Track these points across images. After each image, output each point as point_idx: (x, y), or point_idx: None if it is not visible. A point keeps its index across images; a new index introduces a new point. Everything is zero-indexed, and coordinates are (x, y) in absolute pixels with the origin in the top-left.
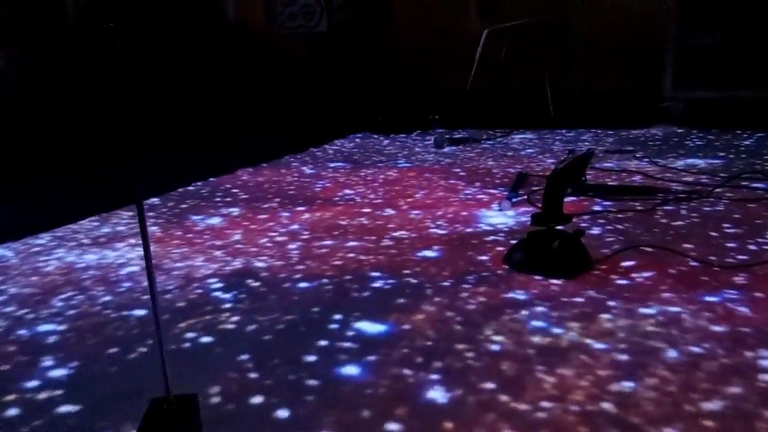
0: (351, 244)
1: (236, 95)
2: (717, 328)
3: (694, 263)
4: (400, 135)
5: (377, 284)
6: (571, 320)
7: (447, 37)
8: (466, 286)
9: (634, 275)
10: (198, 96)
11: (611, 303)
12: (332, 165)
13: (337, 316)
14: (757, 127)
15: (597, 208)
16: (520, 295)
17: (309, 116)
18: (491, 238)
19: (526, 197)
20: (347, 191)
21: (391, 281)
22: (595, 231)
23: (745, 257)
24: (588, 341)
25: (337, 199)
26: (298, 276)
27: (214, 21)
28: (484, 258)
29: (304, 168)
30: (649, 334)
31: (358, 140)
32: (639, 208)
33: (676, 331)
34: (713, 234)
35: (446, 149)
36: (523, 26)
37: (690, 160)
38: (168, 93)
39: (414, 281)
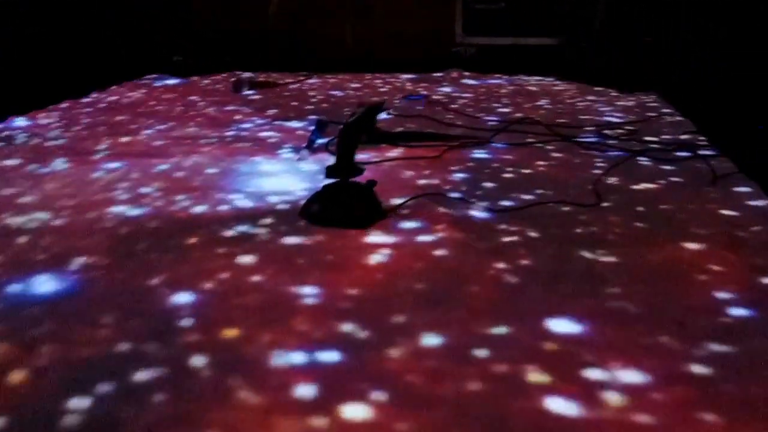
0: None
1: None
2: None
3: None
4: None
5: None
6: None
7: None
8: None
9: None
10: None
11: None
12: None
13: None
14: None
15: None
16: None
17: (93, 57)
18: (239, 229)
19: (325, 145)
20: (17, 123)
21: None
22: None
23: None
24: None
25: None
26: None
27: None
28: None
29: None
30: None
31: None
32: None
33: None
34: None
35: (247, 92)
36: None
37: None
38: None
39: None
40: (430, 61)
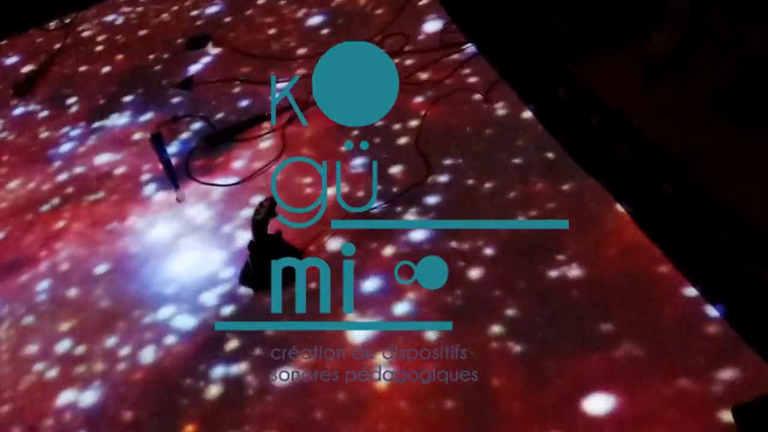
0: None
1: None
2: None
3: None
4: None
5: None
6: None
7: None
8: None
9: None
10: None
11: None
12: None
13: None
14: None
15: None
16: None
17: None
18: (217, 373)
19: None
20: None
21: None
22: None
23: None
24: None
25: None
26: None
27: None
28: None
29: None
30: None
31: None
32: None
33: None
34: None
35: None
36: None
37: None
38: None
39: None
40: None
